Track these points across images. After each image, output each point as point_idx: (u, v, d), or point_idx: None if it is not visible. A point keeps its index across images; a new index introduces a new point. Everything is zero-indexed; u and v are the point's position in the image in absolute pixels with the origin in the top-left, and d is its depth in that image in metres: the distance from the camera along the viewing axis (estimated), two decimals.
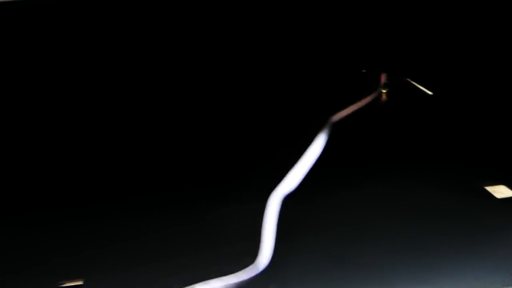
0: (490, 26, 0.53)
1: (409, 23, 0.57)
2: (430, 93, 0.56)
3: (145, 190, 0.45)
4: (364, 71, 0.60)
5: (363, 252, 0.35)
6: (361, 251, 0.35)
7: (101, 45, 0.55)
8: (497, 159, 0.45)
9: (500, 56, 0.52)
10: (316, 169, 0.44)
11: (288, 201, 0.38)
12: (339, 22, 0.57)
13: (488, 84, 0.54)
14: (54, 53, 0.54)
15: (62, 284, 0.34)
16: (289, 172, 0.38)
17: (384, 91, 0.57)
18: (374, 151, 0.47)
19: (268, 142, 0.50)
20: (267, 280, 0.33)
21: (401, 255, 0.34)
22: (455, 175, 0.43)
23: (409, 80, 0.57)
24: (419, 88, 0.56)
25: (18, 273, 0.36)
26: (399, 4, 0.55)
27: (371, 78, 0.58)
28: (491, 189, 0.40)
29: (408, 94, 0.56)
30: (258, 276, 0.32)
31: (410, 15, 0.57)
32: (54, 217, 0.42)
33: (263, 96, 0.59)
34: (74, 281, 0.34)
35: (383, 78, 0.56)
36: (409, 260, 0.33)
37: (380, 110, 0.54)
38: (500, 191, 0.40)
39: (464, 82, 0.56)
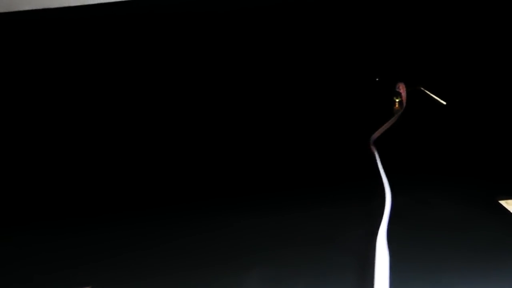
0: (506, 37, 0.52)
1: (422, 32, 0.57)
2: (444, 103, 0.55)
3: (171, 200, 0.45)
4: (377, 79, 0.59)
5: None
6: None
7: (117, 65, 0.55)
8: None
9: None
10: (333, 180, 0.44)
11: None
12: (353, 31, 0.57)
13: (503, 96, 0.53)
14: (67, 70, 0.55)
15: None
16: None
17: (397, 100, 0.56)
18: (388, 162, 0.46)
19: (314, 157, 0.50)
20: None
21: (411, 267, 0.33)
22: (468, 189, 0.42)
23: (423, 89, 0.57)
24: (433, 98, 0.56)
25: (31, 279, 0.36)
26: (413, 13, 0.55)
27: (387, 87, 0.57)
28: (505, 203, 0.40)
29: (421, 104, 0.55)
30: None
31: (423, 24, 0.56)
32: (71, 226, 0.42)
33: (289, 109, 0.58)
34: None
35: (402, 88, 0.55)
36: (420, 273, 0.33)
37: (394, 120, 0.53)
38: None
39: (479, 92, 0.56)
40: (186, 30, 0.54)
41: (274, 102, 0.58)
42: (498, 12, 0.52)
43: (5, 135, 0.54)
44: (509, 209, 0.39)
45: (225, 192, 0.45)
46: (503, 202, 0.40)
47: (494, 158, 0.47)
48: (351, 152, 0.50)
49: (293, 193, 0.45)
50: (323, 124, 0.56)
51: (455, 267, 0.33)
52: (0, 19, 0.43)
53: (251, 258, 0.36)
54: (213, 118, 0.57)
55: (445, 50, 0.58)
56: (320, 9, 0.56)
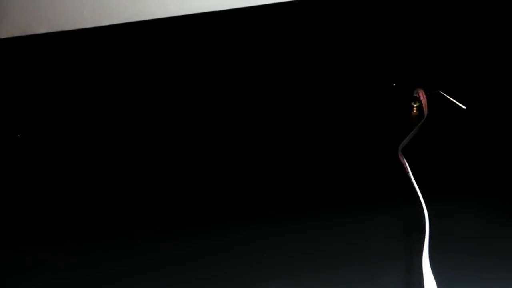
0: None
1: (440, 35, 0.55)
2: (463, 107, 0.53)
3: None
4: (394, 84, 0.58)
5: (390, 280, 0.34)
6: (387, 279, 0.34)
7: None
8: None
9: None
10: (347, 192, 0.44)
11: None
12: (368, 36, 0.56)
13: None
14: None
15: None
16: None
17: (415, 105, 0.55)
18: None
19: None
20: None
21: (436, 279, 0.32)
22: (493, 198, 0.41)
23: (441, 92, 0.55)
24: (452, 102, 0.54)
25: None
26: (428, 17, 0.54)
27: (404, 92, 0.56)
28: None
29: (440, 108, 0.54)
30: None
31: (440, 27, 0.55)
32: (80, 238, 0.43)
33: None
34: None
35: (422, 94, 0.54)
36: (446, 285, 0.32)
37: (413, 126, 0.52)
38: None
39: (500, 96, 0.54)
40: (198, 44, 0.54)
41: (289, 109, 0.58)
42: None
43: (28, 151, 0.55)
44: None
45: (243, 203, 0.45)
46: None
47: None
48: (368, 159, 0.49)
49: (309, 204, 0.44)
50: (340, 131, 0.55)
51: (479, 278, 0.33)
52: (17, 42, 0.44)
53: (267, 269, 0.37)
54: (234, 128, 0.57)
55: (464, 53, 0.57)
56: (336, 16, 0.55)
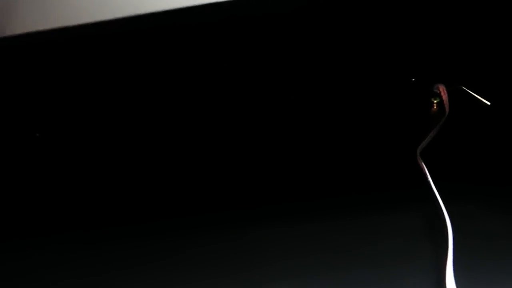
0: None
1: (462, 26, 0.53)
2: (487, 103, 0.51)
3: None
4: (413, 79, 0.56)
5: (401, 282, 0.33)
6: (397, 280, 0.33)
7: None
8: None
9: None
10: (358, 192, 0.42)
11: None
12: (386, 29, 0.54)
13: None
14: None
15: None
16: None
17: (435, 101, 0.53)
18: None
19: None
20: None
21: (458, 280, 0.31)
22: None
23: (464, 88, 0.53)
24: (475, 98, 0.52)
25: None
26: (450, 8, 0.52)
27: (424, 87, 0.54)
28: None
29: (463, 105, 0.52)
30: None
31: (462, 18, 0.53)
32: (82, 237, 0.43)
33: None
34: None
35: (443, 90, 0.52)
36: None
37: (433, 123, 0.50)
38: None
39: None
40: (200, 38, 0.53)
41: (305, 105, 0.57)
42: None
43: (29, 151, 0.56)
44: None
45: (257, 202, 0.45)
46: None
47: None
48: (386, 158, 0.48)
49: (322, 203, 0.43)
50: (357, 128, 0.54)
51: (503, 281, 0.32)
52: (25, 39, 0.44)
53: (274, 269, 0.36)
54: (239, 126, 0.56)
55: (488, 45, 0.54)
56: (354, 9, 0.54)
